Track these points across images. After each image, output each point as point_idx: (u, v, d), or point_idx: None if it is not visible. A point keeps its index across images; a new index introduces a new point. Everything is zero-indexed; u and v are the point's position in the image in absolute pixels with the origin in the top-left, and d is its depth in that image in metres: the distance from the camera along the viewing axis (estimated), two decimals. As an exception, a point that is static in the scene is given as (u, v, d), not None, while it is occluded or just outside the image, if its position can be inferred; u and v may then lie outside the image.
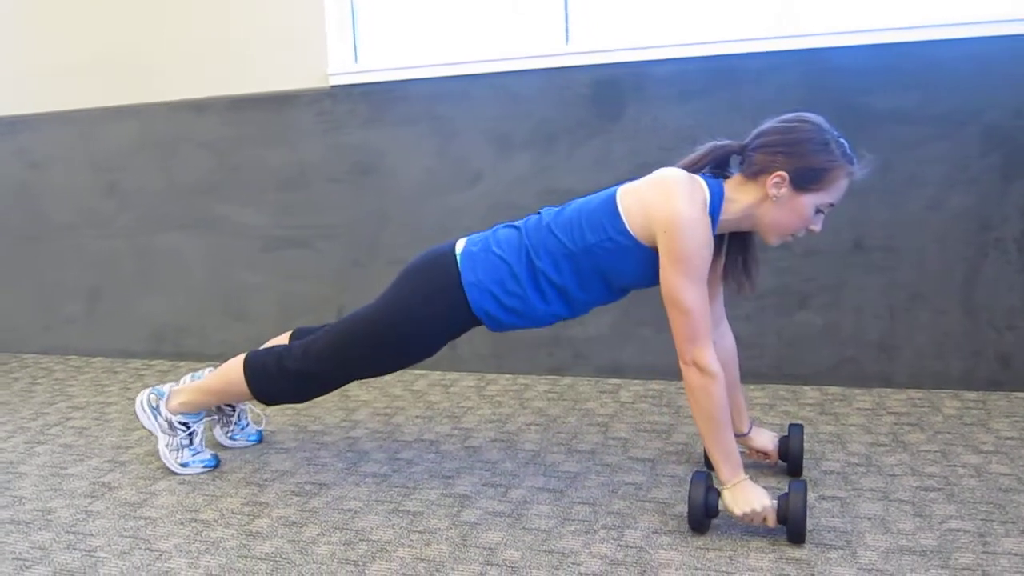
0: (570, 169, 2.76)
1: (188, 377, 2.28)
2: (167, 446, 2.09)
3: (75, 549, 1.72)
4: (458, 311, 1.82)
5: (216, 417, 2.27)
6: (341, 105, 2.95)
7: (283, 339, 2.19)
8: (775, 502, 1.64)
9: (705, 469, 1.96)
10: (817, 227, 1.72)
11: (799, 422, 2.10)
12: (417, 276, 1.87)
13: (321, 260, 3.09)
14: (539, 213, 1.86)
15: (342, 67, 2.96)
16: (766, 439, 2.00)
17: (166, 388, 2.13)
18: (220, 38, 3.06)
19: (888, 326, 2.58)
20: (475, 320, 1.84)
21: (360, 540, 1.72)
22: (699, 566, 1.57)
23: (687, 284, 1.64)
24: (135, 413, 2.12)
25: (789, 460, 1.96)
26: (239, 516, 1.85)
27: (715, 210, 1.69)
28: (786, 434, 1.99)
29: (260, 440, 2.32)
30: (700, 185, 1.69)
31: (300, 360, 1.93)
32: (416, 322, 1.85)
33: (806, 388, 2.62)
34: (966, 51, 2.39)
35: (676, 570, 1.56)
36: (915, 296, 2.54)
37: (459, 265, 1.81)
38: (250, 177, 3.11)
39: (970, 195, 2.45)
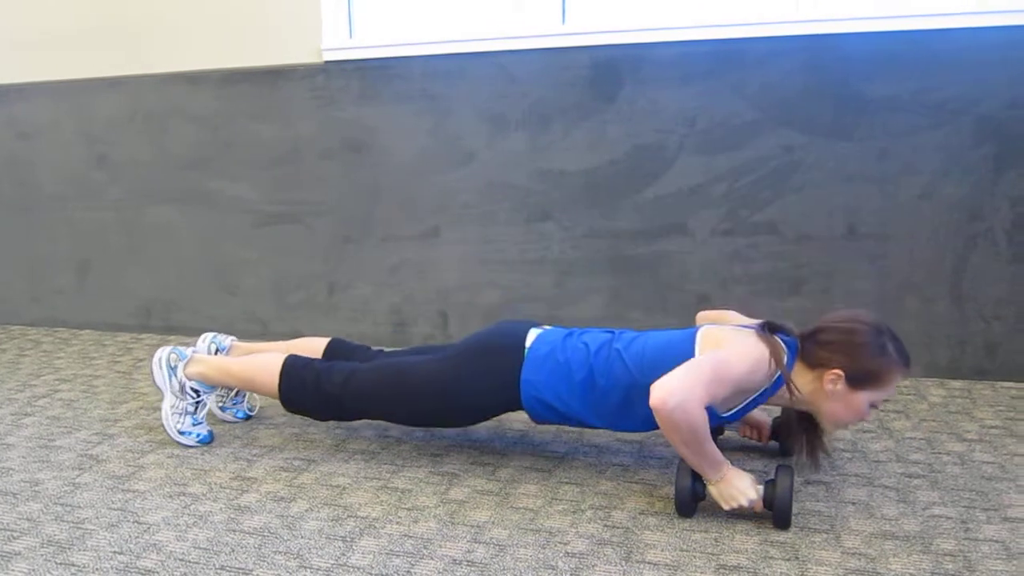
0: (565, 149, 2.75)
1: (208, 339, 2.30)
2: (172, 407, 2.09)
3: (63, 521, 1.72)
4: (507, 397, 1.87)
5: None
6: (335, 81, 2.93)
7: (317, 345, 2.21)
8: (760, 488, 1.65)
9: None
10: (869, 417, 1.77)
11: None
12: (482, 357, 1.90)
13: (313, 236, 3.08)
14: (611, 332, 1.88)
15: (336, 42, 2.93)
16: (758, 414, 2.03)
17: (188, 351, 2.13)
18: (214, 10, 3.02)
19: (877, 314, 2.57)
20: (519, 407, 1.88)
21: (348, 516, 1.73)
22: (685, 547, 1.59)
23: (729, 360, 1.64)
24: (150, 367, 2.13)
25: (781, 440, 1.99)
26: (227, 490, 1.86)
27: (789, 365, 1.70)
28: (779, 415, 2.01)
29: (247, 419, 2.31)
30: (779, 346, 1.70)
31: (339, 388, 1.96)
32: (467, 397, 1.90)
33: (794, 374, 2.63)
34: (963, 40, 2.39)
35: (662, 551, 1.57)
36: (905, 284, 2.55)
37: (524, 360, 1.84)
38: (242, 152, 3.09)
39: (962, 185, 2.46)
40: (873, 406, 1.71)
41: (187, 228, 3.21)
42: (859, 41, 2.46)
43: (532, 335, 1.89)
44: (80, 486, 1.89)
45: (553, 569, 1.52)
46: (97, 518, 1.73)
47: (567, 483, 1.87)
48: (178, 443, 2.10)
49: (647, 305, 2.76)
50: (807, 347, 1.72)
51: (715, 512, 1.71)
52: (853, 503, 1.75)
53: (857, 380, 1.67)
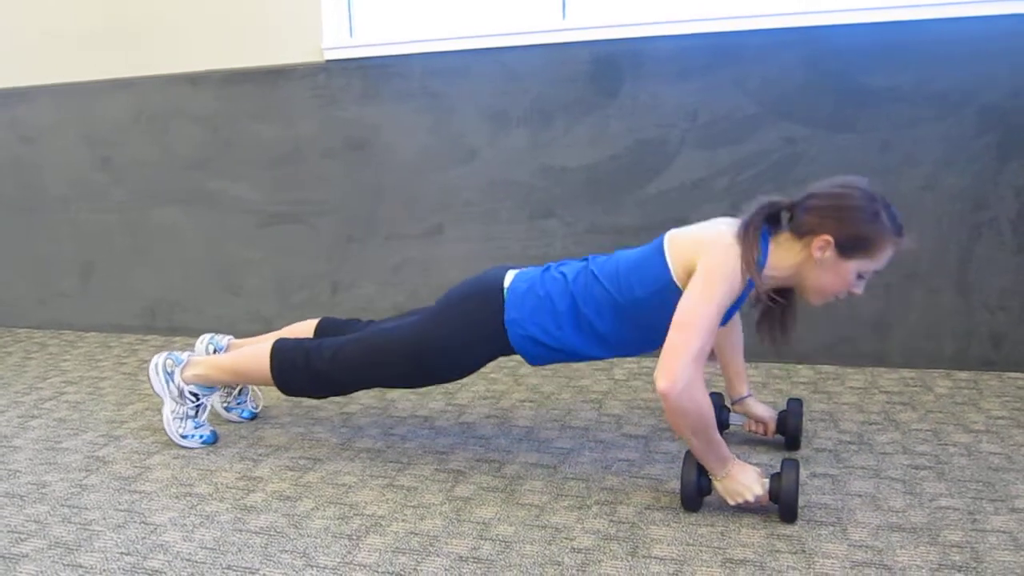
0: (566, 146, 2.75)
1: (205, 340, 2.30)
2: (172, 413, 2.09)
3: (70, 522, 1.73)
4: (497, 343, 1.85)
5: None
6: (336, 80, 2.93)
7: (308, 327, 2.19)
8: (766, 481, 1.65)
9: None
10: (858, 290, 1.69)
11: (798, 397, 2.11)
12: (462, 305, 1.87)
13: (316, 236, 3.08)
14: (585, 259, 1.86)
15: (337, 41, 2.93)
16: (763, 409, 2.02)
17: (184, 356, 2.13)
18: (214, 11, 3.03)
19: (883, 305, 2.58)
20: (512, 351, 1.86)
21: (354, 514, 1.73)
22: (691, 542, 1.58)
23: (708, 303, 1.60)
24: (148, 374, 2.13)
25: (787, 434, 1.98)
26: (233, 490, 1.86)
27: (760, 263, 1.66)
28: (785, 409, 2.00)
29: (252, 418, 2.32)
30: (751, 246, 1.65)
31: (328, 363, 1.94)
32: (454, 350, 1.88)
33: (800, 367, 2.63)
34: (964, 30, 2.38)
35: (668, 545, 1.57)
36: (909, 276, 2.54)
37: (504, 301, 1.82)
38: (244, 152, 3.09)
39: (965, 175, 2.45)
40: (860, 277, 1.66)
41: (191, 229, 3.22)
42: (859, 32, 2.45)
43: (509, 276, 1.87)
44: (87, 488, 1.89)
45: (559, 565, 1.52)
46: (104, 519, 1.74)
47: (573, 479, 1.87)
48: (182, 447, 2.10)
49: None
50: (797, 214, 1.67)
51: (721, 506, 1.71)
52: (859, 495, 1.75)
53: (847, 248, 1.62)
